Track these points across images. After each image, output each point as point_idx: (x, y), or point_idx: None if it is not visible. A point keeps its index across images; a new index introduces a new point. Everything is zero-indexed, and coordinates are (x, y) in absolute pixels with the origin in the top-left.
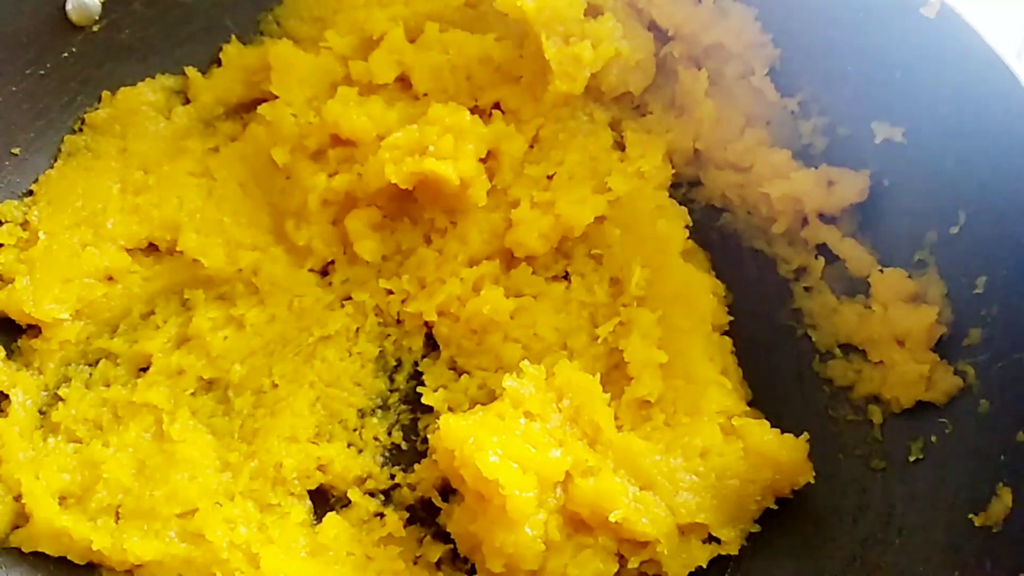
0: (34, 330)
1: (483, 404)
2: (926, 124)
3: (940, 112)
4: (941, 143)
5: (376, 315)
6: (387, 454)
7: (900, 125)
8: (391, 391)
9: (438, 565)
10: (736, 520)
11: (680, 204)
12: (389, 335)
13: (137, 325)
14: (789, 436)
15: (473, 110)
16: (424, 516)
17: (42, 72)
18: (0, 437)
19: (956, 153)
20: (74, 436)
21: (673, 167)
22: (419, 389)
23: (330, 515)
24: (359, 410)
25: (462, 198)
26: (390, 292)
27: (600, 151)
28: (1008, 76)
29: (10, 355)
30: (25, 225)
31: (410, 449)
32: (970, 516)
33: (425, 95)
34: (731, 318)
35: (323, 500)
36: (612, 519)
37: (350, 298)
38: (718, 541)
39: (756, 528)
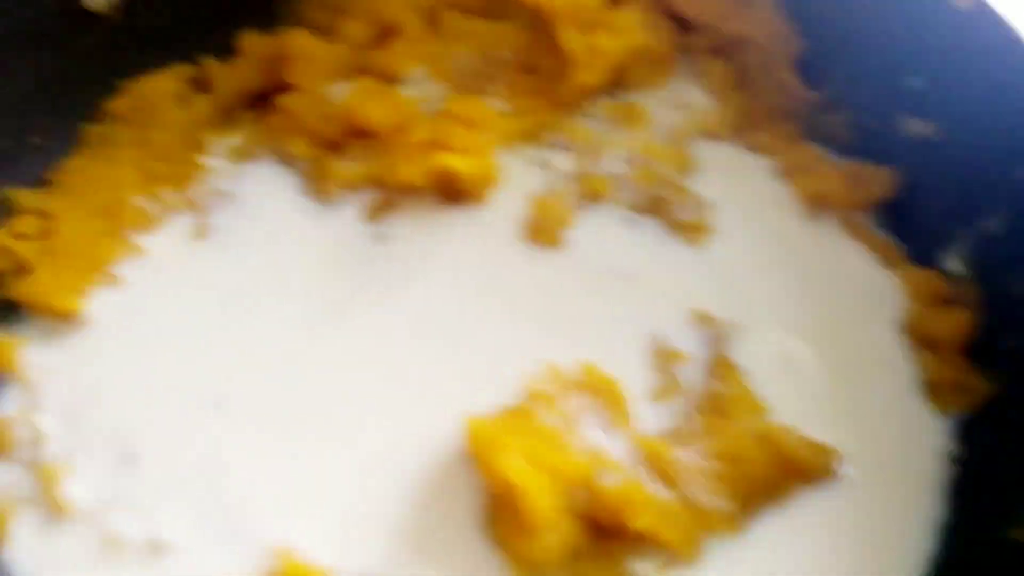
0: None
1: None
2: (958, 120)
3: (973, 108)
4: (974, 140)
5: None
6: None
7: (931, 120)
8: None
9: None
10: None
11: None
12: None
13: None
14: (818, 442)
15: None
16: None
17: (60, 61)
18: None
19: (989, 151)
20: None
21: None
22: None
23: None
24: None
25: (477, 192)
26: None
27: None
28: None
29: None
30: (44, 215)
31: None
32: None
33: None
34: None
35: None
36: (636, 524)
37: None
38: None
39: None
